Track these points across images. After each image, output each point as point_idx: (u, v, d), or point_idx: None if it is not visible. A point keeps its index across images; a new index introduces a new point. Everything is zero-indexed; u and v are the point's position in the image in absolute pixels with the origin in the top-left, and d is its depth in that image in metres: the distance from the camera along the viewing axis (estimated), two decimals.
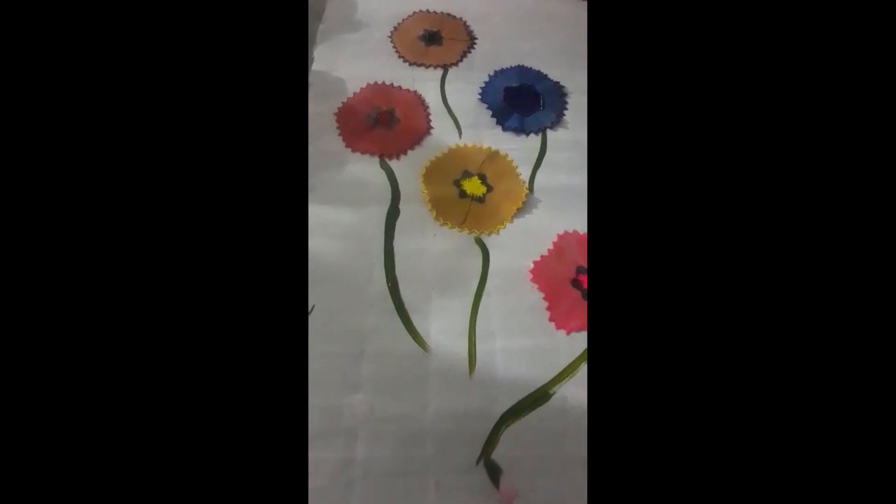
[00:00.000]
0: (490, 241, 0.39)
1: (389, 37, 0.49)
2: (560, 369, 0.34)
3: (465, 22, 0.51)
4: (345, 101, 0.44)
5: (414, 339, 0.35)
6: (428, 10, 0.51)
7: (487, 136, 0.44)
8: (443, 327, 0.35)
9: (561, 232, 0.39)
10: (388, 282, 0.37)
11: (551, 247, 0.39)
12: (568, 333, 0.35)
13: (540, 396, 0.33)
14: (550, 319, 0.36)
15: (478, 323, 0.36)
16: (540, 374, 0.34)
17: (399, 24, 0.50)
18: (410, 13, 0.51)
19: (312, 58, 0.47)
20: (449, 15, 0.51)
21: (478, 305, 0.36)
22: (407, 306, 0.36)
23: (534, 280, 0.37)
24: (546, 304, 0.36)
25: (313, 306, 0.35)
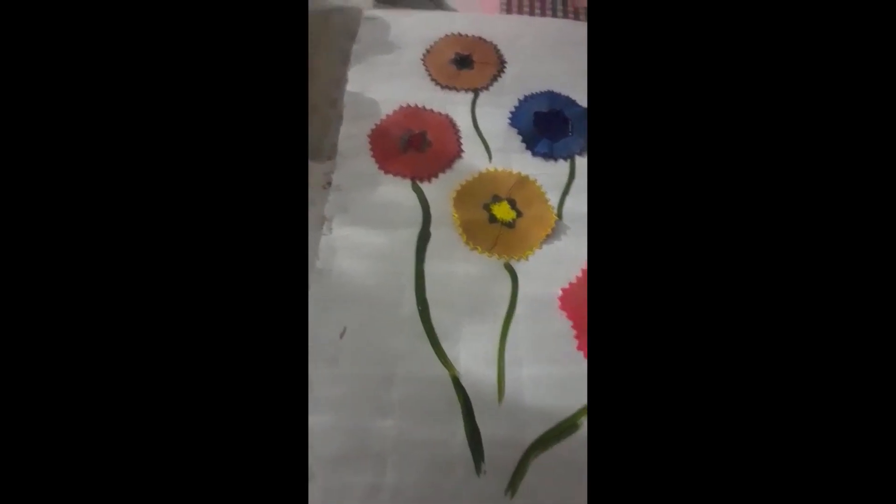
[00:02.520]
0: (519, 267, 0.39)
1: (422, 59, 0.50)
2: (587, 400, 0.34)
3: (495, 46, 0.51)
4: (378, 122, 0.45)
5: (444, 364, 0.35)
6: (459, 34, 0.52)
7: (517, 160, 0.44)
8: (472, 353, 0.36)
9: None
10: (418, 305, 0.37)
11: (580, 274, 0.39)
12: None
13: (568, 427, 0.33)
14: (579, 348, 0.36)
15: (507, 350, 0.36)
16: (568, 404, 0.34)
17: (431, 46, 0.51)
18: (442, 36, 0.52)
19: (347, 78, 0.48)
20: (480, 38, 0.52)
21: (507, 332, 0.36)
22: (437, 330, 0.36)
23: (562, 307, 0.37)
24: (574, 332, 0.36)
25: (345, 328, 0.36)
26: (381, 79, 0.48)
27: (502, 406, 0.34)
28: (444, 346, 0.36)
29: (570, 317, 0.37)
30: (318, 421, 0.32)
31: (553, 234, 0.40)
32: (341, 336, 0.35)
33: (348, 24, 0.52)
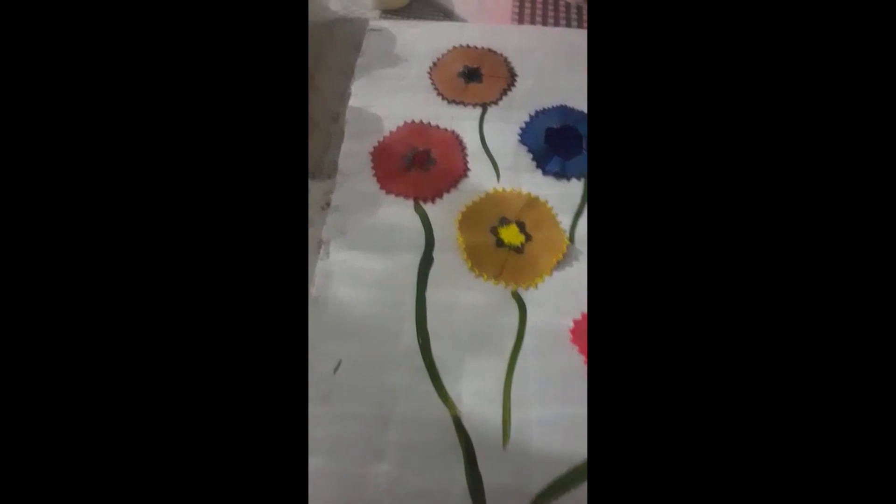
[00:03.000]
0: (528, 296, 0.37)
1: (428, 72, 0.47)
2: None
3: (506, 58, 0.49)
4: (381, 139, 0.43)
5: (444, 403, 0.32)
6: (468, 45, 0.50)
7: (527, 180, 0.42)
8: (475, 390, 0.33)
9: None
10: (419, 337, 0.35)
11: None
12: None
13: (578, 475, 0.30)
14: None
15: (513, 387, 0.33)
16: (579, 449, 0.31)
17: (438, 59, 0.49)
18: (450, 48, 0.49)
19: (350, 93, 0.46)
20: (490, 50, 0.49)
21: (513, 367, 0.34)
22: (438, 365, 0.34)
23: (574, 341, 0.35)
24: (587, 368, 0.34)
25: (339, 361, 0.33)
26: (385, 93, 0.46)
27: (507, 450, 0.31)
28: (446, 382, 0.33)
29: (582, 351, 0.34)
30: (309, 465, 0.30)
31: (564, 259, 0.38)
32: (335, 371, 0.33)
33: (353, 36, 0.50)
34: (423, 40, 0.50)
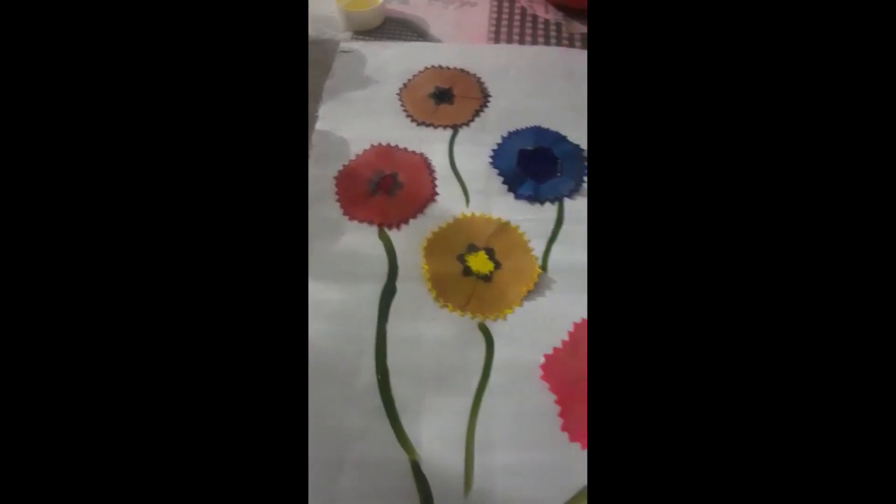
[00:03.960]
0: (496, 328, 0.34)
1: (398, 94, 0.46)
2: (573, 493, 0.29)
3: (478, 78, 0.48)
4: (346, 163, 0.42)
5: (403, 446, 0.30)
6: (440, 66, 0.48)
7: (497, 204, 0.40)
8: (437, 433, 0.30)
9: (578, 320, 0.34)
10: (377, 373, 0.32)
11: (566, 338, 0.34)
12: (584, 448, 0.30)
13: None
14: (563, 428, 0.31)
15: (477, 429, 0.31)
16: (549, 497, 0.29)
17: (409, 80, 0.47)
18: (422, 69, 0.48)
19: (317, 116, 0.45)
20: (462, 70, 0.48)
21: (478, 407, 0.31)
22: (397, 404, 0.31)
23: (545, 378, 0.32)
24: (558, 408, 0.31)
25: None
26: (353, 116, 0.44)
27: (469, 499, 0.29)
28: (404, 422, 0.31)
29: (553, 389, 0.32)
30: None
31: (536, 289, 0.36)
32: None
33: (323, 58, 0.49)
34: (394, 61, 0.49)
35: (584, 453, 0.30)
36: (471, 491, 0.29)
